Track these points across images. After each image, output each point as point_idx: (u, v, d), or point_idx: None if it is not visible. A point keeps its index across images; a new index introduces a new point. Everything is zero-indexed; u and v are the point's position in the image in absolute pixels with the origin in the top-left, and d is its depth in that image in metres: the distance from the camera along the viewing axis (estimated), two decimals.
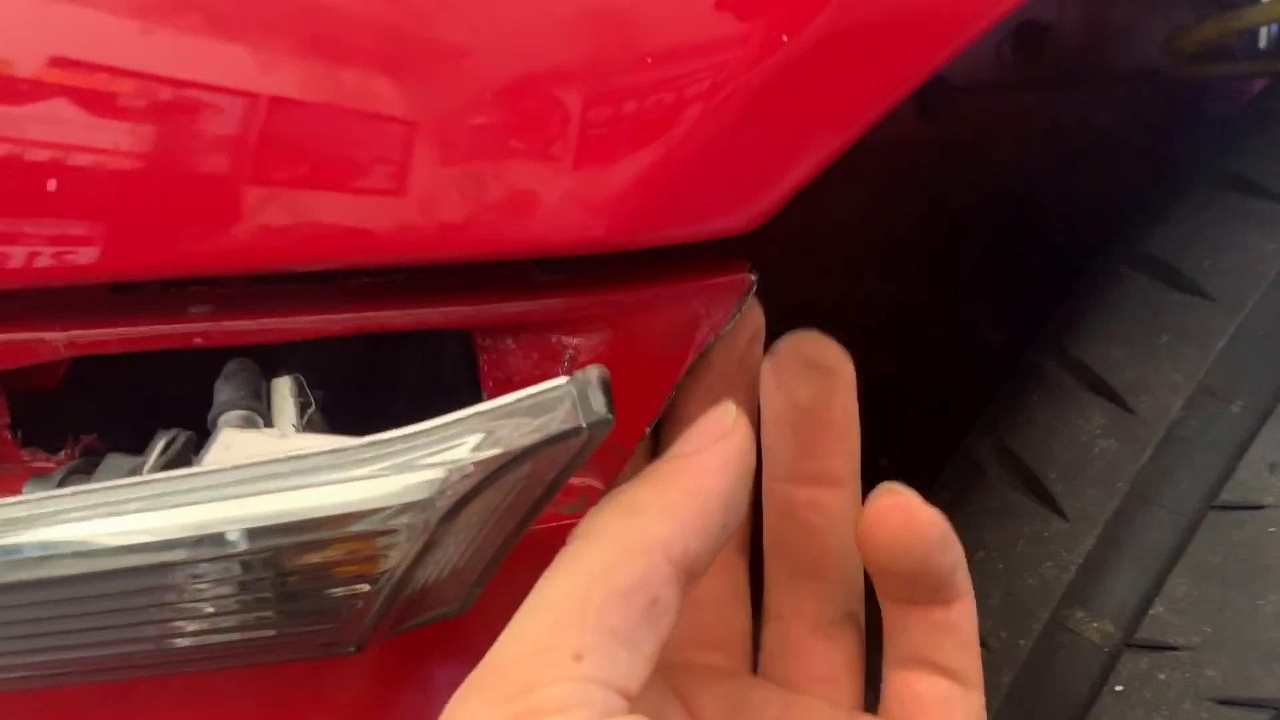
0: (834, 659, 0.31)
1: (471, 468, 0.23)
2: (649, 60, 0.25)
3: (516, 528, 0.25)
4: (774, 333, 0.30)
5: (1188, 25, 0.68)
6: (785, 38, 0.24)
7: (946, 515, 0.35)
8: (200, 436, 0.27)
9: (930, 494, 0.27)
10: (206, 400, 0.28)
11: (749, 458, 0.25)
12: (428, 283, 0.29)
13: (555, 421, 0.22)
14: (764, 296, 0.30)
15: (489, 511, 0.24)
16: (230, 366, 0.28)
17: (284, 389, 0.27)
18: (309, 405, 0.27)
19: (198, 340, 0.28)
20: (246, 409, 0.26)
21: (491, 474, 0.23)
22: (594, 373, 0.23)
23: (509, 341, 0.29)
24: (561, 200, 0.25)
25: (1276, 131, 0.38)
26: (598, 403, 0.22)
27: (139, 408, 0.32)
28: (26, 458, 0.31)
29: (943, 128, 0.82)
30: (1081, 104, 0.82)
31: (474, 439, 0.23)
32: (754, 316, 0.31)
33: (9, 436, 0.31)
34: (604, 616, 0.22)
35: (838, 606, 0.31)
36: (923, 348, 0.81)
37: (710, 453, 0.25)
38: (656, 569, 0.23)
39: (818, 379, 0.29)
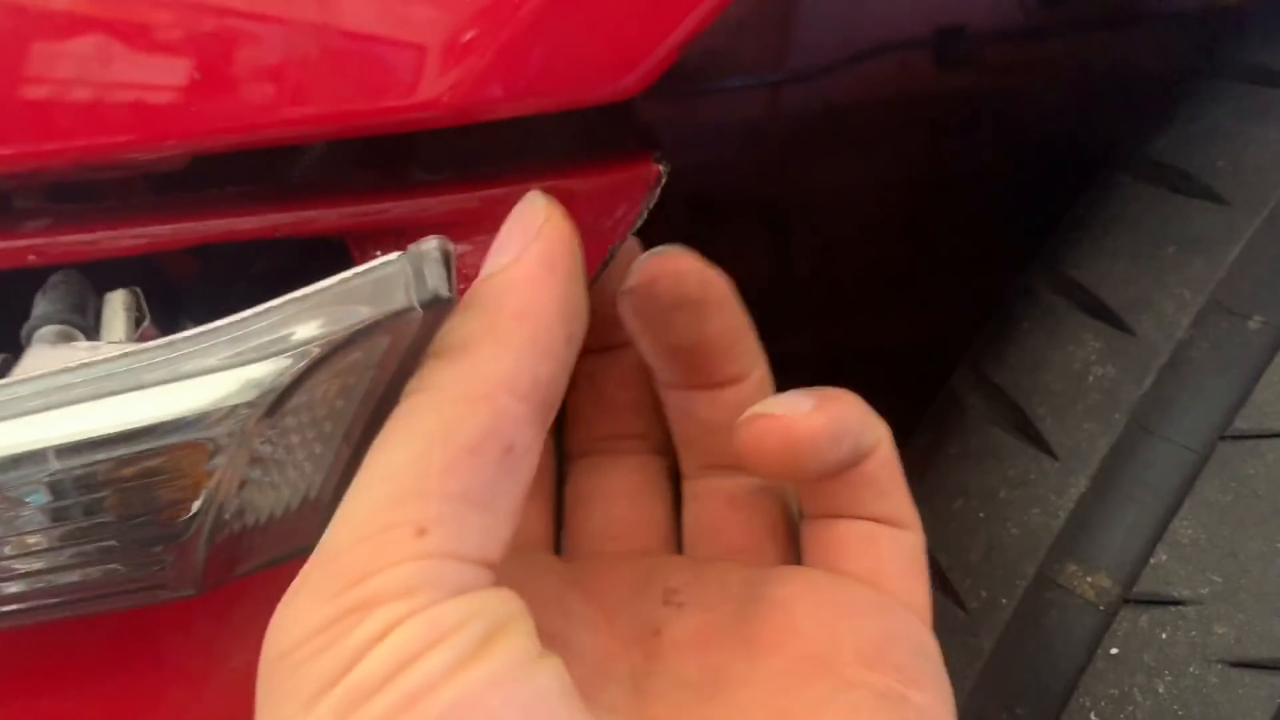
0: (754, 528, 0.30)
1: (287, 359, 0.19)
2: None
3: (362, 438, 0.21)
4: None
5: None
6: None
7: (923, 460, 0.31)
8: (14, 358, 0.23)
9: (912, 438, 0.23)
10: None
11: (573, 250, 0.22)
12: (291, 186, 0.25)
13: (388, 300, 0.19)
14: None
15: (322, 417, 0.20)
16: (53, 279, 0.24)
17: (116, 302, 0.24)
18: (144, 319, 0.24)
19: (30, 257, 0.25)
20: (63, 323, 0.23)
21: (312, 364, 0.19)
22: (431, 244, 0.19)
23: (387, 248, 0.25)
24: (414, 57, 0.21)
25: None
26: (434, 279, 0.19)
27: None
28: None
29: (962, 79, 0.78)
30: (1113, 50, 0.77)
31: (294, 327, 0.19)
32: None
33: None
34: (449, 480, 0.19)
35: (754, 481, 0.30)
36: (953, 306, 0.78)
37: (529, 260, 0.21)
38: (505, 412, 0.20)
39: (685, 316, 0.27)
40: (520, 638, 0.19)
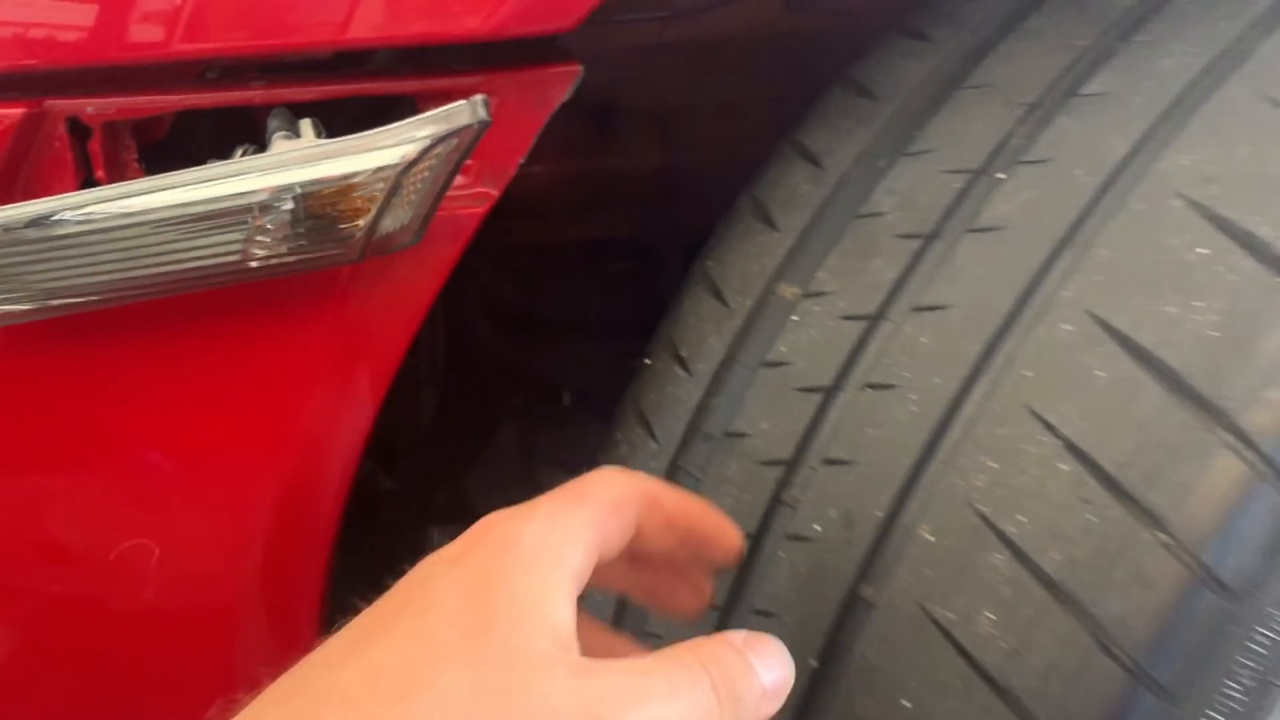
0: None
1: (416, 147, 0.44)
2: None
3: (438, 195, 0.47)
4: None
5: None
6: None
7: (715, 241, 0.57)
8: (260, 151, 0.48)
9: None
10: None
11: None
12: (395, 67, 0.50)
13: (461, 118, 0.44)
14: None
15: (422, 176, 0.45)
16: (275, 110, 0.49)
17: (308, 124, 0.48)
18: (322, 134, 0.48)
19: (257, 100, 0.49)
20: (288, 131, 0.47)
21: (426, 149, 0.44)
22: (479, 97, 0.44)
23: (441, 105, 0.50)
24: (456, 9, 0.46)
25: None
26: (482, 111, 0.44)
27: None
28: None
29: (805, 20, 1.02)
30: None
31: (418, 129, 0.44)
32: None
33: (139, 166, 0.51)
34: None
35: None
36: None
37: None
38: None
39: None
40: None
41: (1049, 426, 0.44)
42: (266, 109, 0.49)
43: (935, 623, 0.45)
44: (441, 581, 0.34)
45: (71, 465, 0.54)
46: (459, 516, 0.46)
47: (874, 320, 0.50)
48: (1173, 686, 0.43)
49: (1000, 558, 0.44)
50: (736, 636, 0.38)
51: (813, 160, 0.56)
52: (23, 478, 0.55)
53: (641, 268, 1.14)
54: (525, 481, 1.00)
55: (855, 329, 0.50)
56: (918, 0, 0.61)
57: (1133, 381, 0.43)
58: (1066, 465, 0.43)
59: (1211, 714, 0.45)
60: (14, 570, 0.56)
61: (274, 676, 0.33)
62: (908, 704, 0.46)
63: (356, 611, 0.35)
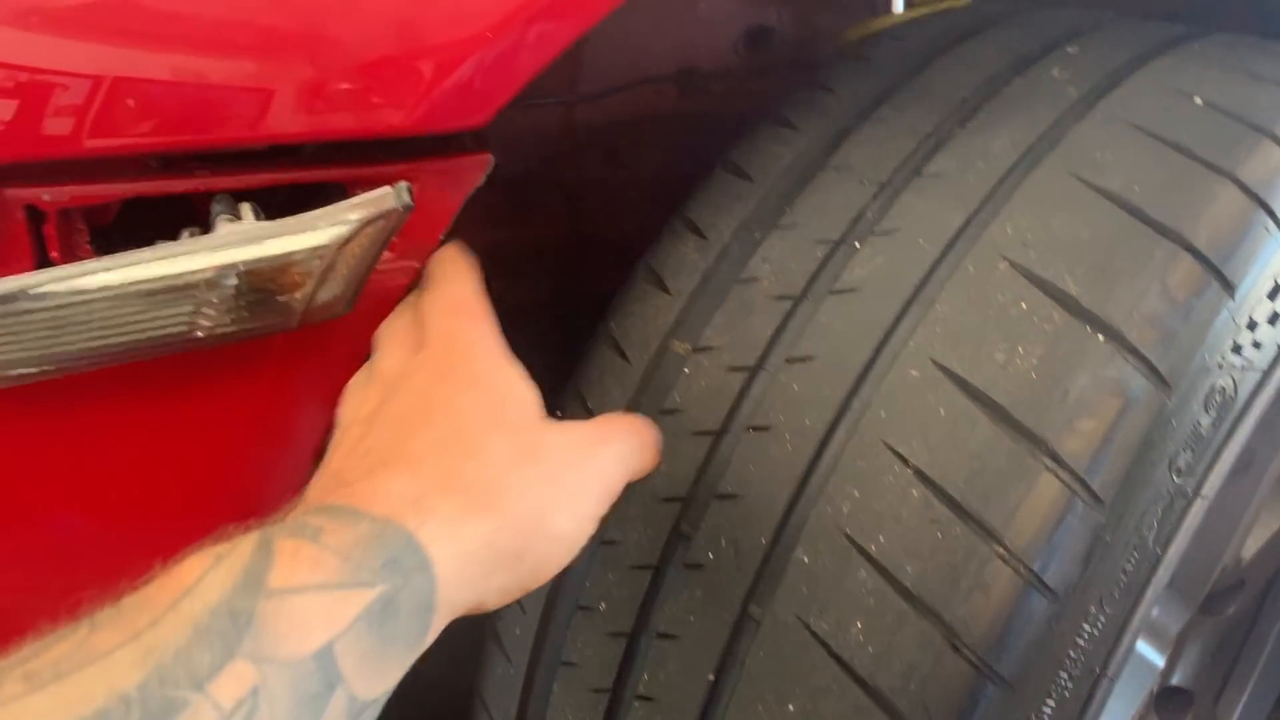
0: None
1: (348, 229, 0.50)
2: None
3: (367, 267, 0.53)
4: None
5: (841, 29, 0.99)
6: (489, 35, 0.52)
7: (616, 304, 0.64)
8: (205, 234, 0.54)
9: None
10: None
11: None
12: (325, 154, 0.56)
13: (388, 202, 0.50)
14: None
15: (354, 254, 0.51)
16: (217, 195, 0.54)
17: (247, 208, 0.54)
18: (261, 216, 0.54)
19: (200, 187, 0.55)
20: (229, 214, 0.53)
21: (356, 230, 0.50)
22: (403, 184, 0.50)
23: (367, 189, 0.56)
24: (381, 108, 0.52)
25: (799, 91, 0.68)
26: (405, 196, 0.50)
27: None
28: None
29: (697, 103, 1.10)
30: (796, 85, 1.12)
31: (349, 213, 0.50)
32: None
33: (90, 249, 0.56)
34: None
35: None
36: None
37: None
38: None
39: None
40: None
41: (901, 458, 0.51)
42: (209, 195, 0.55)
43: (813, 634, 0.52)
44: (442, 386, 0.50)
45: (17, 525, 0.58)
46: None
47: (754, 371, 0.57)
48: (1013, 678, 0.50)
49: (865, 573, 0.51)
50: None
51: (699, 232, 0.63)
52: None
53: (551, 330, 1.20)
54: None
55: (738, 379, 0.58)
56: (788, 90, 0.70)
57: (969, 417, 0.51)
58: (917, 491, 0.51)
59: (1049, 701, 0.52)
60: None
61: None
62: (793, 708, 0.53)
63: None
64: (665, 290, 0.62)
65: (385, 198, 0.50)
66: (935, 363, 0.53)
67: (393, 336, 0.55)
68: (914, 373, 0.53)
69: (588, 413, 0.63)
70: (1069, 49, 0.66)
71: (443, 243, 0.58)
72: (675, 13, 1.08)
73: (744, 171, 0.65)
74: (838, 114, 0.66)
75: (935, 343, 0.53)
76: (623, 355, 0.62)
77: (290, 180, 0.55)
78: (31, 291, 0.49)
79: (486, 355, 0.51)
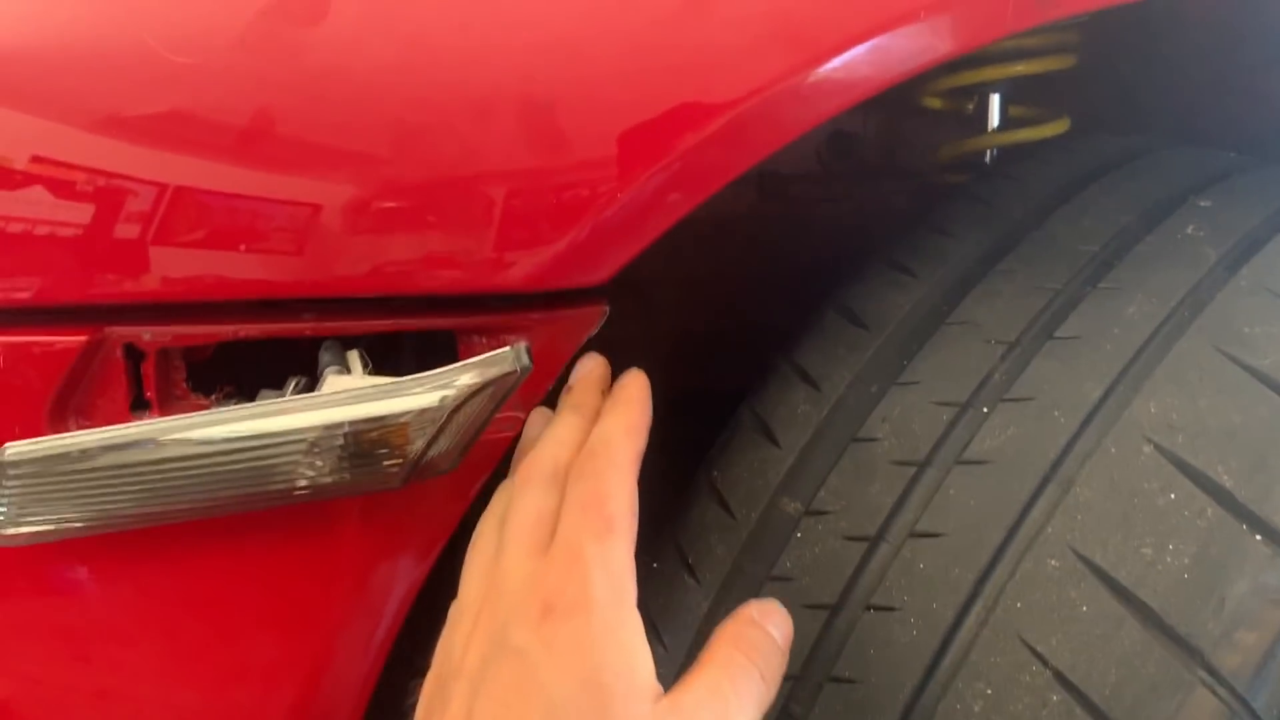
0: None
1: (463, 391, 0.48)
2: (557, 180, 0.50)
3: (479, 427, 0.50)
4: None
5: (939, 144, 0.97)
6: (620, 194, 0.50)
7: (719, 451, 0.62)
8: (310, 383, 0.51)
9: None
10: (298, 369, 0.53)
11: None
12: (440, 304, 0.54)
13: (505, 365, 0.48)
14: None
15: (467, 415, 0.49)
16: (326, 343, 0.52)
17: (355, 356, 0.52)
18: (368, 365, 0.52)
19: (308, 331, 0.52)
20: (338, 364, 0.51)
21: (471, 394, 0.48)
22: (524, 343, 0.48)
23: (479, 339, 0.54)
24: (502, 265, 0.50)
25: (912, 231, 0.66)
26: (525, 358, 0.48)
27: (255, 373, 0.56)
28: (194, 399, 0.55)
29: (776, 207, 1.09)
30: (878, 194, 1.10)
31: (464, 376, 0.48)
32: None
33: (186, 386, 0.54)
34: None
35: None
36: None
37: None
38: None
39: None
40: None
41: (1040, 657, 0.48)
42: (314, 338, 0.53)
43: None
44: (545, 668, 0.42)
45: (104, 673, 0.55)
46: None
47: (874, 542, 0.54)
48: None
49: None
50: (753, 610, 0.49)
51: (810, 382, 0.60)
52: (41, 682, 0.56)
53: None
54: None
55: (857, 550, 0.54)
56: (867, 198, 0.67)
57: (1115, 618, 0.47)
58: (1057, 696, 0.47)
59: None
60: None
61: None
62: None
63: None
64: (774, 443, 0.59)
65: (503, 359, 0.48)
66: (1076, 553, 0.49)
67: (521, 526, 0.48)
68: (1053, 562, 0.50)
69: (687, 568, 0.60)
70: (1201, 202, 0.63)
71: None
72: None
73: (858, 318, 0.62)
74: (957, 261, 0.63)
75: (1076, 530, 0.50)
76: (727, 509, 0.59)
77: (399, 328, 0.53)
78: (144, 440, 0.47)
79: (607, 633, 0.43)
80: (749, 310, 1.08)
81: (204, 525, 0.52)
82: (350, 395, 0.48)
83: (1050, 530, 0.50)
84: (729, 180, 0.51)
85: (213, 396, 0.55)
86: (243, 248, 0.50)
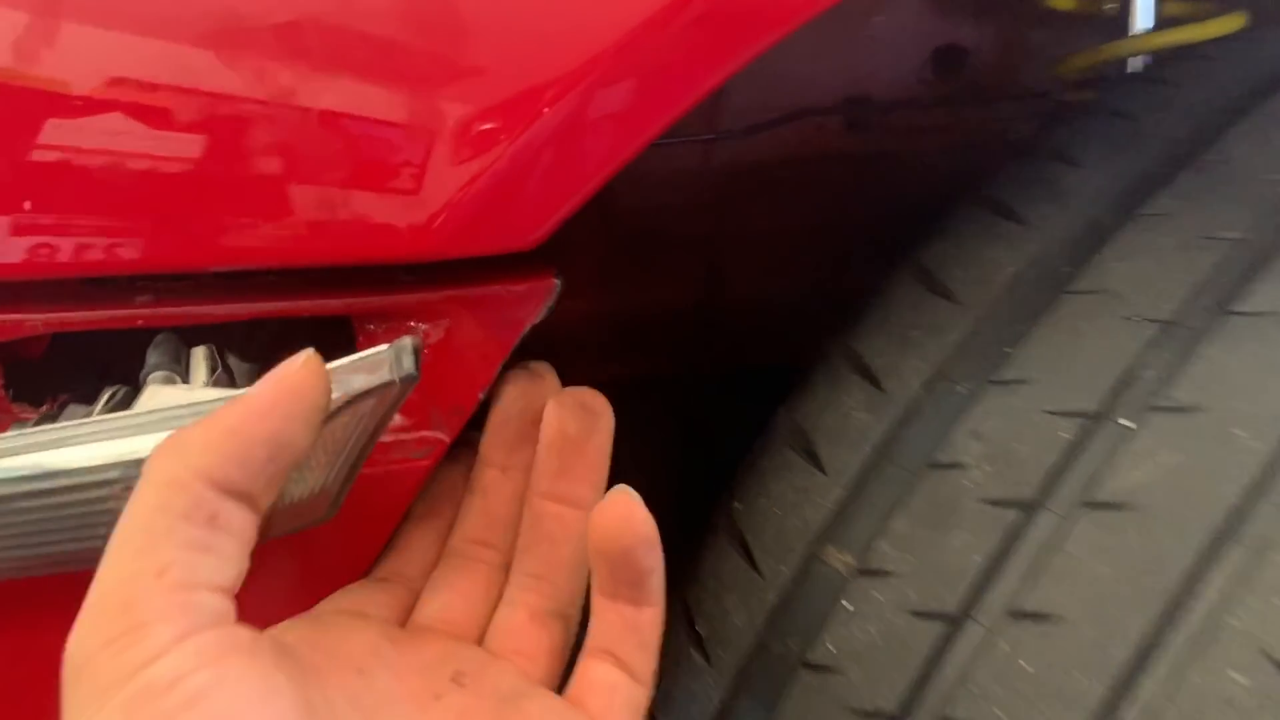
0: (541, 643, 0.38)
1: None
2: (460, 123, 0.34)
3: (359, 456, 0.34)
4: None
5: (1069, 54, 0.76)
6: (547, 110, 0.33)
7: (745, 473, 0.44)
8: (136, 392, 0.36)
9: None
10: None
11: (306, 400, 0.29)
12: (323, 280, 0.38)
13: (378, 373, 0.32)
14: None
15: (336, 441, 0.33)
16: (158, 339, 0.37)
17: (199, 356, 0.37)
18: (217, 368, 0.37)
19: (139, 322, 0.37)
20: (168, 370, 0.36)
21: (336, 411, 0.32)
22: (407, 341, 0.32)
23: (378, 325, 0.38)
24: (401, 222, 0.34)
25: (1025, 162, 0.46)
26: (407, 363, 0.32)
27: (98, 372, 0.42)
28: (16, 411, 0.41)
29: (867, 142, 0.90)
30: (994, 120, 0.90)
31: None
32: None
33: (4, 395, 0.40)
34: (172, 536, 0.27)
35: (556, 604, 0.39)
36: None
37: (259, 395, 0.29)
38: (204, 494, 0.28)
39: (586, 418, 0.39)
40: (262, 655, 0.28)
41: None
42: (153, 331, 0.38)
43: None
44: None
45: None
46: None
47: (957, 622, 0.37)
48: None
49: None
50: None
51: (871, 379, 0.43)
52: None
53: (678, 408, 1.01)
54: None
55: (931, 632, 0.37)
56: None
57: None
58: None
59: None
60: None
61: None
62: None
63: None
64: (818, 466, 0.42)
65: (377, 363, 0.32)
66: (1272, 659, 0.31)
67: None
68: (1237, 676, 0.31)
69: (694, 641, 0.43)
70: None
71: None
72: (842, 29, 0.87)
73: (942, 285, 0.44)
74: (1087, 201, 0.44)
75: (1272, 622, 0.31)
76: (750, 560, 0.42)
77: (267, 313, 0.37)
78: None
79: None
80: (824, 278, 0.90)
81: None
82: (161, 417, 0.33)
83: (1232, 622, 0.32)
84: (697, 98, 0.34)
85: (42, 408, 0.41)
86: (49, 211, 0.35)
